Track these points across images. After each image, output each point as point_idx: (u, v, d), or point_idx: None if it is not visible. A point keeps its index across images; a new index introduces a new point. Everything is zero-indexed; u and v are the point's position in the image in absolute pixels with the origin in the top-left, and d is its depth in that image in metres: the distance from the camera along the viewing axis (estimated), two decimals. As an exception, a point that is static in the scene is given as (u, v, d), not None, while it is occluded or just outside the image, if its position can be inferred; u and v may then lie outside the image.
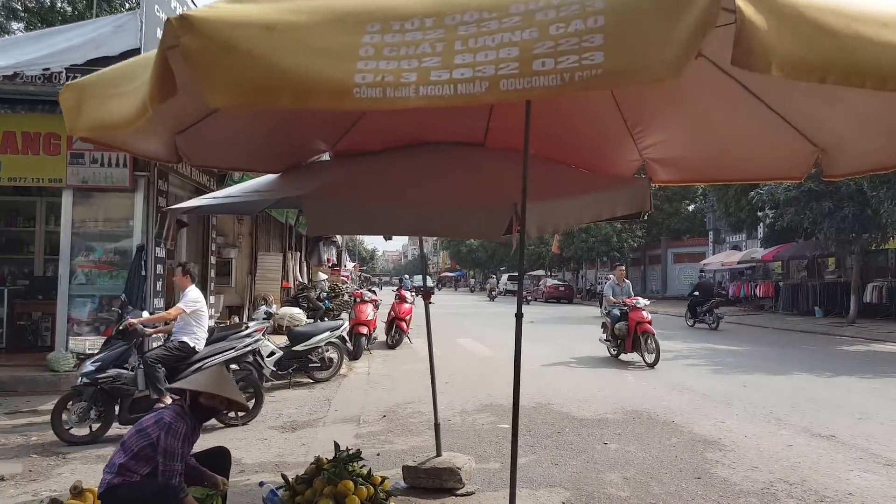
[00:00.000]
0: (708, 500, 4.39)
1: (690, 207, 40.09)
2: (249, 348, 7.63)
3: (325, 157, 4.74)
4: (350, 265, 48.30)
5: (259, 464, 5.24)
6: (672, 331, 18.04)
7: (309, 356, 9.19)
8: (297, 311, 14.11)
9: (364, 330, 11.82)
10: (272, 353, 8.85)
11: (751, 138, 3.48)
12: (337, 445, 4.14)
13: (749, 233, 28.95)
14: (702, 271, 30.58)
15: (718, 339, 15.79)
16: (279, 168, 4.37)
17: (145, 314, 8.57)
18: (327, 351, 9.59)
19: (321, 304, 16.15)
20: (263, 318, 8.95)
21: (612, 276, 12.74)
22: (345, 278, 27.00)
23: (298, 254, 21.51)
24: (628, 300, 11.25)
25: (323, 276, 18.38)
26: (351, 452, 4.04)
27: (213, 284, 12.14)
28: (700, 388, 8.64)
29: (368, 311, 12.09)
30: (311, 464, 4.05)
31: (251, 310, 14.33)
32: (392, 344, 13.15)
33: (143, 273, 9.25)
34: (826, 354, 12.78)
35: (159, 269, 9.50)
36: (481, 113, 3.84)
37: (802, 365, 10.97)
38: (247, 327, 7.95)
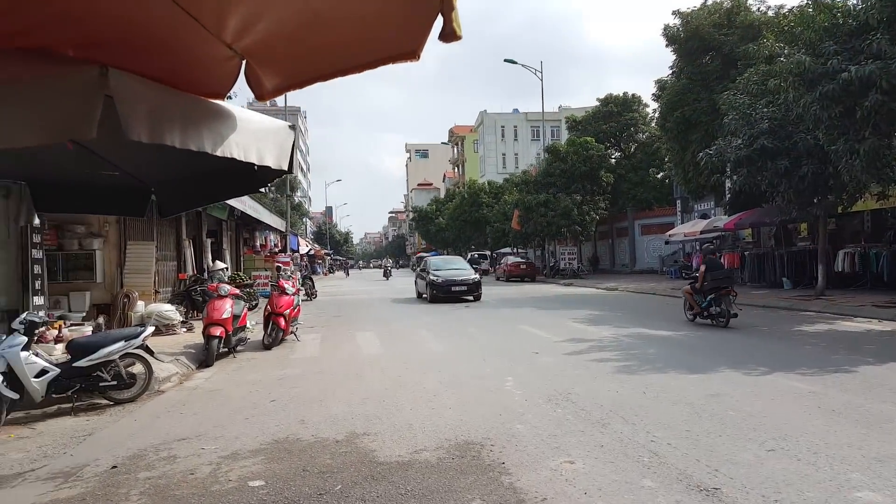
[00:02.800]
0: None
1: (659, 175, 38.12)
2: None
3: None
4: (304, 249, 46.23)
5: None
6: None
7: (98, 373, 7.18)
8: (166, 309, 12.12)
9: (217, 331, 9.81)
10: (43, 372, 6.84)
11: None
12: None
13: (717, 200, 27.05)
14: (666, 243, 28.68)
15: (654, 321, 13.89)
16: None
17: None
18: (129, 365, 7.59)
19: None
20: (18, 329, 6.89)
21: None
22: (283, 264, 24.98)
23: (210, 240, 19.40)
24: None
25: (221, 265, 16.30)
26: None
27: (38, 283, 10.05)
28: (584, 399, 6.71)
29: (225, 309, 10.07)
30: None
31: (123, 307, 12.27)
32: (268, 343, 11.17)
33: None
34: (776, 338, 10.89)
35: None
36: None
37: (735, 357, 9.06)
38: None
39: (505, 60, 38.13)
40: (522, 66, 38.50)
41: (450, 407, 6.60)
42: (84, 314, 12.54)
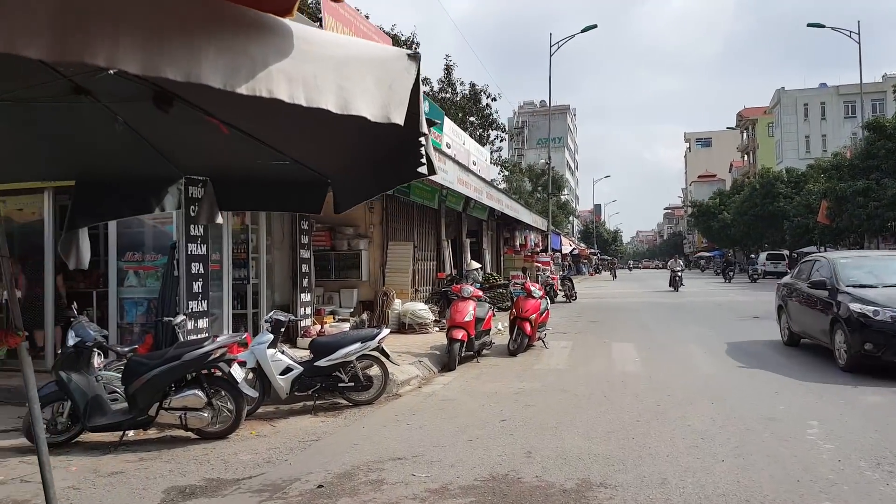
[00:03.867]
0: None
1: None
2: (191, 369, 5.89)
3: None
4: (567, 249, 45.29)
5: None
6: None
7: (337, 374, 7.13)
8: (419, 308, 12.23)
9: (458, 335, 9.35)
10: (288, 370, 7.01)
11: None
12: None
13: None
14: None
15: None
16: None
17: (180, 318, 7.46)
18: (366, 367, 7.43)
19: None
20: (267, 326, 7.11)
21: None
22: (542, 265, 24.50)
23: (470, 240, 19.63)
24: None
25: (476, 265, 16.17)
26: None
27: (306, 281, 10.77)
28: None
29: (467, 311, 9.57)
30: None
31: (382, 304, 12.75)
32: (513, 349, 10.43)
33: (176, 273, 8.13)
34: None
35: (196, 267, 8.28)
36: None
37: None
38: (213, 341, 6.18)
39: (808, 25, 32.20)
40: (832, 29, 32.21)
41: (722, 459, 4.98)
42: (352, 310, 13.32)
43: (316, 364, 7.11)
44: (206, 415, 5.96)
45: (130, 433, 6.14)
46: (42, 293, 9.03)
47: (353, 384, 7.21)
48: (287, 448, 5.72)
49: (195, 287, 8.27)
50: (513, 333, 10.59)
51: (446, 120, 18.05)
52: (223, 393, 6.11)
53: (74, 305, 6.43)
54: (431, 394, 7.83)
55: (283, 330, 7.17)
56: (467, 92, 32.67)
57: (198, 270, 8.32)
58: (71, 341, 5.85)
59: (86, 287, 9.27)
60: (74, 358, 5.86)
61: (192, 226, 8.23)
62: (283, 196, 3.52)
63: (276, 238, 10.83)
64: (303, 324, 10.48)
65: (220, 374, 6.06)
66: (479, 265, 16.88)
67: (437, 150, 13.59)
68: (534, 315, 10.52)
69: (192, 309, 8.20)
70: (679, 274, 28.52)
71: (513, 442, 5.65)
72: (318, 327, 10.49)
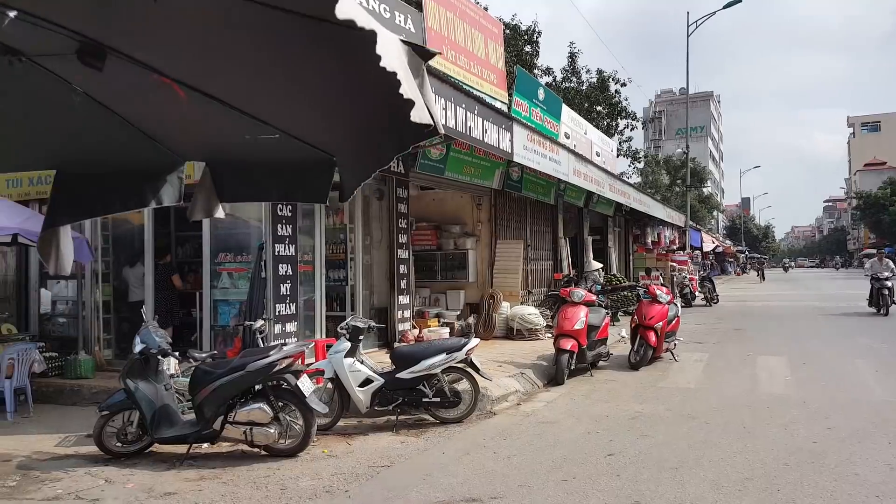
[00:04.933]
0: None
1: None
2: (256, 380, 5.38)
3: None
4: (708, 247, 41.62)
5: None
6: None
7: (421, 387, 6.37)
8: (529, 312, 11.26)
9: (567, 344, 8.25)
10: (367, 382, 6.37)
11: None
12: None
13: None
14: None
15: None
16: None
17: (259, 323, 7.13)
18: (455, 381, 6.62)
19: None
20: (344, 334, 6.48)
21: None
22: (678, 264, 22.47)
23: (593, 238, 18.26)
24: None
25: (596, 265, 14.81)
26: None
27: (404, 282, 10.16)
28: None
29: (578, 318, 8.44)
30: None
31: (488, 307, 11.85)
32: (634, 362, 9.12)
33: (263, 275, 7.82)
34: None
35: (283, 269, 7.92)
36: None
37: None
38: (282, 347, 5.65)
39: None
40: None
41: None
42: (458, 312, 12.58)
43: (398, 376, 6.40)
44: (272, 431, 5.43)
45: (204, 445, 5.77)
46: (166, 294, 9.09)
47: (438, 400, 6.42)
48: (353, 475, 5.03)
49: (282, 289, 7.90)
50: (634, 343, 9.28)
51: (564, 108, 16.80)
52: (292, 407, 5.56)
53: (144, 309, 6.17)
54: (530, 413, 6.85)
55: (361, 338, 6.52)
56: (594, 80, 30.84)
57: (285, 272, 7.95)
58: (137, 348, 5.57)
59: (192, 288, 9.29)
60: (142, 365, 5.58)
61: (279, 225, 7.88)
62: (287, 182, 2.78)
63: (374, 237, 10.33)
64: (400, 328, 9.88)
65: (286, 386, 5.51)
66: (601, 265, 15.48)
67: (551, 139, 12.46)
68: (659, 323, 9.13)
69: (279, 312, 7.84)
70: (889, 285, 15.97)
71: (618, 486, 4.56)
72: (416, 331, 9.84)
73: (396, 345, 9.11)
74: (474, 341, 6.59)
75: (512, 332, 11.36)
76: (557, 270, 15.33)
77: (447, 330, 9.99)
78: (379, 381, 6.40)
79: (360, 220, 9.72)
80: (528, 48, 27.47)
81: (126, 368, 5.58)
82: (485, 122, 8.95)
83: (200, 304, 8.69)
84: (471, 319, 12.04)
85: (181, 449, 5.66)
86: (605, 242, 19.75)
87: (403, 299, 10.04)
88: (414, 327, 10.13)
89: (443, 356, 6.37)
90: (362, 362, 6.48)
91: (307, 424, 5.52)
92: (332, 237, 9.99)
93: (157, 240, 8.96)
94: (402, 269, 10.09)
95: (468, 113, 8.45)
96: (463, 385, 6.65)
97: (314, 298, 8.82)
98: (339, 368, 6.32)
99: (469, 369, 6.52)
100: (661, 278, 16.93)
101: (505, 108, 12.30)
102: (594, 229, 19.37)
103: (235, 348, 7.53)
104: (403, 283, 10.06)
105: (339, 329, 6.56)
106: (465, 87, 9.47)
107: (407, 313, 10.12)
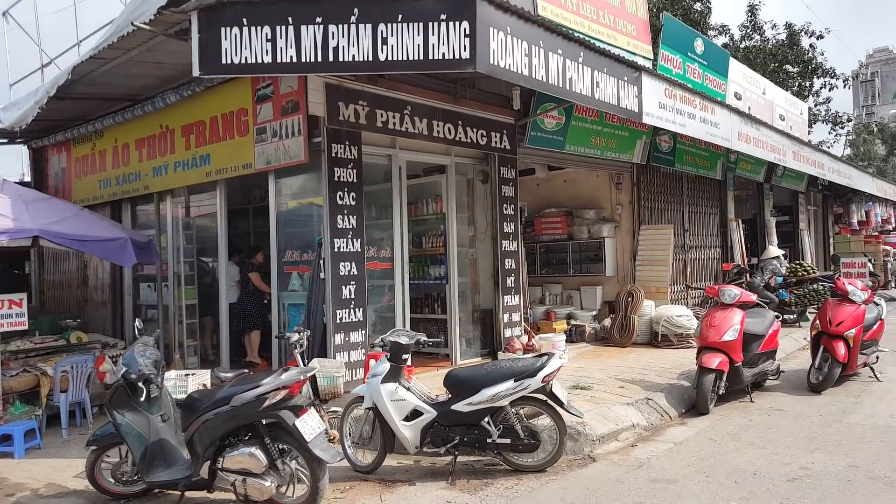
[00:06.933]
0: None
1: None
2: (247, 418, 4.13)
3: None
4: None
5: None
6: None
7: (484, 424, 4.72)
8: (678, 313, 9.05)
9: (713, 362, 6.00)
10: (414, 414, 4.87)
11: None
12: None
13: None
14: None
15: None
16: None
17: (296, 336, 5.99)
18: (533, 416, 4.89)
19: (772, 294, 10.19)
20: (381, 350, 4.99)
21: None
22: (892, 246, 18.06)
23: (776, 219, 15.04)
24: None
25: (776, 251, 11.77)
26: None
27: (511, 279, 8.44)
28: None
29: (729, 326, 6.12)
30: None
31: (625, 308, 9.67)
32: (815, 382, 6.54)
33: (322, 276, 6.67)
34: None
35: (345, 268, 6.70)
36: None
37: None
38: (280, 374, 4.33)
39: None
40: None
41: None
42: (595, 312, 10.59)
43: (453, 408, 4.79)
44: (267, 484, 4.14)
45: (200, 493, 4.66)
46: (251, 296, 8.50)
47: (508, 441, 4.71)
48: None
49: (345, 292, 6.65)
50: (815, 357, 6.68)
51: (734, 63, 13.76)
52: (296, 452, 4.24)
53: (137, 322, 5.20)
54: (643, 463, 4.84)
55: (406, 357, 4.99)
56: (783, 37, 26.13)
57: (348, 272, 6.69)
58: (121, 371, 4.60)
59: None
60: (127, 392, 4.60)
61: (338, 216, 6.65)
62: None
63: (479, 227, 8.78)
64: (506, 333, 8.21)
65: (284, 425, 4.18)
66: (782, 252, 12.32)
67: (703, 94, 9.86)
68: (852, 330, 6.43)
69: (340, 319, 6.60)
70: None
71: None
72: (524, 338, 8.10)
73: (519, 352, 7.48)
74: (555, 363, 4.75)
75: (657, 338, 9.11)
76: (727, 260, 12.54)
77: (562, 338, 8.10)
78: (430, 414, 4.84)
79: (453, 206, 8.22)
80: (697, 5, 23.94)
81: (109, 396, 4.63)
82: (596, 72, 6.92)
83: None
84: (606, 321, 9.98)
85: (197, 495, 4.62)
86: (796, 224, 16.16)
87: (510, 300, 8.34)
88: (524, 332, 8.39)
89: (510, 384, 4.64)
90: (408, 388, 4.97)
91: (314, 477, 4.15)
92: (434, 228, 8.70)
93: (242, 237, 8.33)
94: (509, 263, 8.39)
95: (567, 61, 6.49)
96: (544, 421, 4.87)
97: (393, 302, 7.52)
98: (378, 397, 4.87)
99: (548, 400, 4.72)
100: (871, 266, 13.22)
101: (649, 65, 10.03)
102: (781, 209, 15.92)
103: (293, 363, 6.44)
104: (510, 281, 8.35)
105: (374, 345, 5.11)
106: (580, 35, 7.45)
107: (516, 316, 8.40)
